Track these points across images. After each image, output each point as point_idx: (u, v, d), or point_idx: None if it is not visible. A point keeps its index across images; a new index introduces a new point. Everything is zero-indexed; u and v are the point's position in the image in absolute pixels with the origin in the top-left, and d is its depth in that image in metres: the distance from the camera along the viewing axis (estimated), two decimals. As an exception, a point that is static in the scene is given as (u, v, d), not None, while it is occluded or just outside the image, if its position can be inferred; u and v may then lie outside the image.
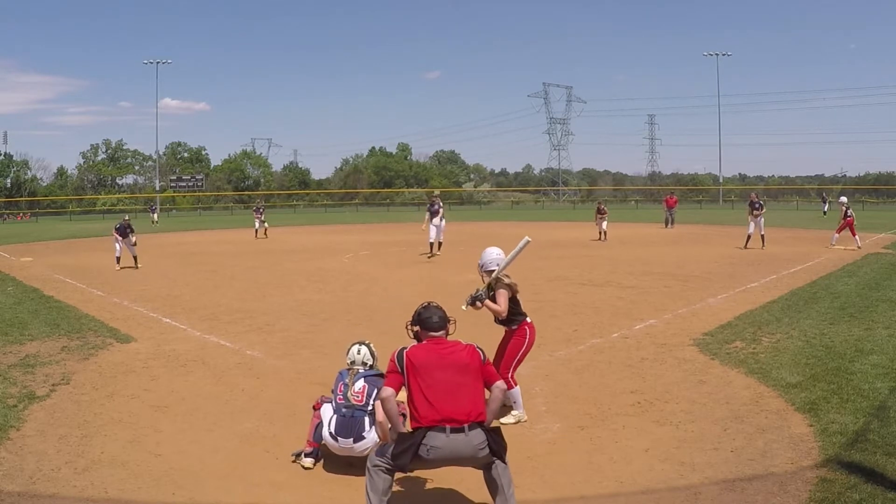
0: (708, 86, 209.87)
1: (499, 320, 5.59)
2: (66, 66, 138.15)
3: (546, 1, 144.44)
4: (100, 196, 76.32)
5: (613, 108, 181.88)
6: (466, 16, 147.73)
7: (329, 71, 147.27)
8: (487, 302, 5.43)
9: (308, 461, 4.68)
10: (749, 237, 19.37)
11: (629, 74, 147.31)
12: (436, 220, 18.24)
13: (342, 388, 4.72)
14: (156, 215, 43.71)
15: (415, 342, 4.11)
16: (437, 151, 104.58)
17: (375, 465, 3.77)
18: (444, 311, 4.12)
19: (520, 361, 5.62)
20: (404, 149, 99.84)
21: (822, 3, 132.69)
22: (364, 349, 4.91)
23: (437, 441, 3.60)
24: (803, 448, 4.72)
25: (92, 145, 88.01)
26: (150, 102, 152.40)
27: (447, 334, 4.08)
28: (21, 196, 72.62)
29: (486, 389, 3.87)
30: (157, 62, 68.56)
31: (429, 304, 4.18)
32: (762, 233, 19.27)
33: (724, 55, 71.90)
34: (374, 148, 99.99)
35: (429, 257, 18.03)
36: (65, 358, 7.54)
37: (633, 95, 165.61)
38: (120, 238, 16.88)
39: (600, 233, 22.92)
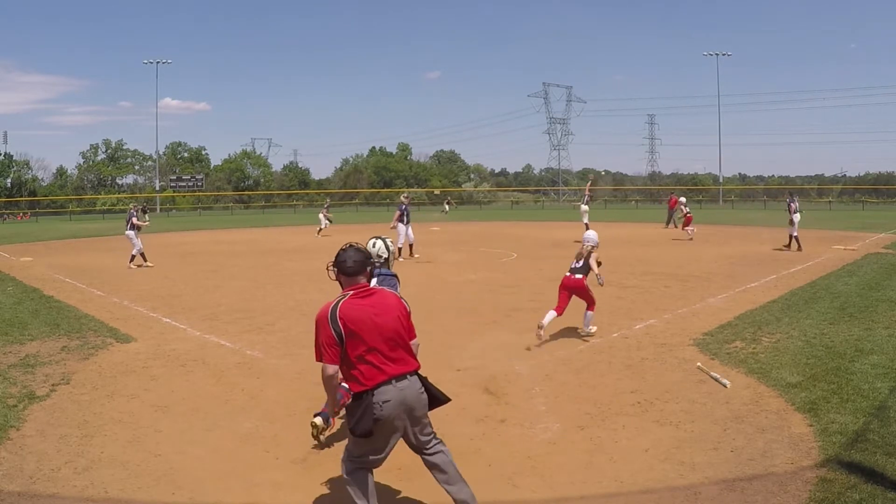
0: (708, 86, 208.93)
1: None
2: (66, 66, 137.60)
3: (546, 1, 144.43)
4: (100, 196, 76.14)
5: (613, 108, 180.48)
6: (466, 16, 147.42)
7: (329, 71, 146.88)
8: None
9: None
10: (794, 238, 18.43)
11: (629, 74, 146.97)
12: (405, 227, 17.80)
13: None
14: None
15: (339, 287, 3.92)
16: (437, 151, 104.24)
17: (349, 471, 3.72)
18: (363, 255, 3.90)
19: None
20: (404, 149, 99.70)
21: (822, 3, 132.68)
22: (380, 242, 5.00)
23: (388, 395, 3.59)
24: (803, 448, 4.72)
25: (92, 145, 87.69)
26: (151, 102, 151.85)
27: (368, 279, 3.90)
28: (21, 196, 72.59)
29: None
30: (157, 62, 68.66)
31: (349, 245, 3.98)
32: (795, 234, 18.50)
33: (724, 55, 71.83)
34: (374, 148, 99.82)
35: (413, 260, 17.36)
36: (65, 358, 7.54)
37: (632, 95, 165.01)
38: (135, 230, 16.85)
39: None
